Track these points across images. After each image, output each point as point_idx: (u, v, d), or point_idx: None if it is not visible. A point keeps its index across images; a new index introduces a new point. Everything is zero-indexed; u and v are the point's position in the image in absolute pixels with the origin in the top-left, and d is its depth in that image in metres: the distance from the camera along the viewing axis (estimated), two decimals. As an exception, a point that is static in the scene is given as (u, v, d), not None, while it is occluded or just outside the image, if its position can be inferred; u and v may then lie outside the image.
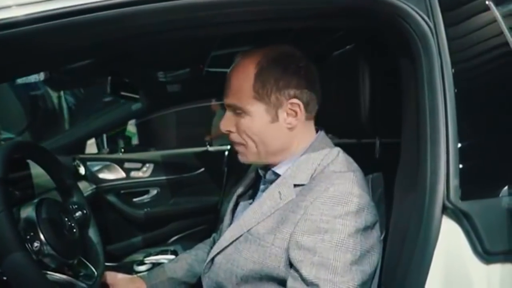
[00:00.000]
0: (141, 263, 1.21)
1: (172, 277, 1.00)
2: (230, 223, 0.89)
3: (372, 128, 0.86)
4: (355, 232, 0.65)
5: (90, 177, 1.84)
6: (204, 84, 1.65)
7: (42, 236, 0.71)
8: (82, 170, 1.79)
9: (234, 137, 0.80)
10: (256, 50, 0.78)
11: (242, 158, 0.82)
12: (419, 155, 0.61)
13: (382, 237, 0.72)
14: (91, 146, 1.97)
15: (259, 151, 0.79)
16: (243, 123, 0.77)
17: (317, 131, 0.84)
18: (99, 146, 1.98)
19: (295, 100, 0.75)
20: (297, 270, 0.66)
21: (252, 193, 0.90)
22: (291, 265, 0.68)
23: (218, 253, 0.80)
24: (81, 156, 1.83)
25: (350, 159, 0.78)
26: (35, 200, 0.76)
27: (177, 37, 0.59)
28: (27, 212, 0.73)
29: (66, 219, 0.81)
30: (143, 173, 1.97)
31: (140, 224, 1.95)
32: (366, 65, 0.84)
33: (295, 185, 0.75)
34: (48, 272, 0.73)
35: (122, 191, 1.93)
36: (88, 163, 1.85)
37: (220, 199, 2.03)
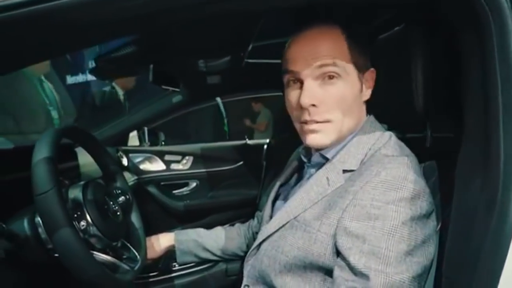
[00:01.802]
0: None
1: (197, 240, 1.06)
2: (271, 213, 0.87)
3: (424, 119, 0.79)
4: (409, 220, 0.60)
5: (132, 168, 1.88)
6: (243, 76, 1.63)
7: (88, 217, 0.72)
8: (124, 161, 1.83)
9: (317, 113, 0.69)
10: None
11: (321, 140, 0.71)
12: (489, 143, 0.54)
13: (438, 228, 0.66)
14: (133, 139, 2.02)
15: (343, 128, 0.71)
16: (337, 91, 0.68)
17: None
18: (141, 138, 2.02)
19: (371, 68, 0.71)
20: (344, 258, 0.62)
21: (295, 180, 0.87)
22: (338, 253, 0.64)
23: (264, 240, 0.78)
24: (124, 147, 1.88)
25: (402, 144, 0.73)
26: (82, 182, 0.78)
27: (220, 11, 0.56)
28: (75, 193, 0.74)
29: (111, 202, 0.82)
30: (183, 165, 2.00)
31: (179, 216, 1.98)
32: (418, 49, 0.77)
33: (344, 171, 0.71)
34: (94, 252, 0.74)
35: (162, 183, 1.96)
36: (131, 154, 1.90)
37: (258, 193, 2.02)
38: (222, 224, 2.03)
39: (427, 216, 0.63)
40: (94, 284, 0.65)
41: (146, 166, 1.94)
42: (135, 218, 0.96)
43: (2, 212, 0.73)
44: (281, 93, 2.01)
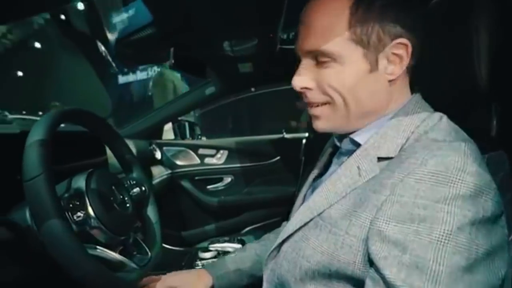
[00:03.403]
0: (206, 249, 1.14)
1: (239, 268, 0.90)
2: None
3: (488, 97, 0.63)
4: (468, 225, 0.45)
5: (166, 162, 1.85)
6: (277, 64, 1.52)
7: (89, 208, 0.65)
8: (158, 155, 1.80)
9: (313, 96, 0.62)
10: None
11: (321, 124, 0.64)
12: None
13: (511, 238, 0.51)
14: (167, 132, 1.99)
15: (349, 112, 0.61)
16: (331, 75, 0.59)
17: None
18: (175, 132, 1.99)
19: (402, 40, 0.57)
20: (378, 270, 0.48)
21: (326, 170, 0.75)
22: (371, 262, 0.51)
23: (283, 241, 0.67)
24: (158, 141, 1.85)
25: (457, 127, 0.58)
26: (88, 171, 0.71)
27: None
28: (78, 181, 0.68)
29: (119, 193, 0.74)
30: (217, 160, 1.93)
31: (213, 212, 1.92)
32: (481, 12, 0.62)
33: (379, 159, 0.57)
34: (98, 247, 0.67)
35: (196, 178, 1.91)
36: (164, 148, 1.86)
37: (296, 189, 1.90)
38: (256, 222, 1.95)
39: (492, 220, 0.48)
40: (89, 283, 0.58)
41: (180, 160, 1.90)
42: (150, 212, 0.88)
43: (10, 202, 0.68)
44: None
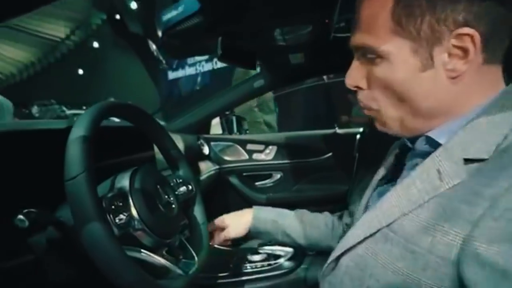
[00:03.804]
0: (255, 252, 1.07)
1: (276, 220, 0.96)
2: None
3: None
4: None
5: (214, 157, 1.81)
6: (331, 54, 1.41)
7: (133, 209, 0.61)
8: (206, 150, 1.77)
9: (363, 98, 0.57)
10: None
11: (379, 127, 0.59)
12: None
13: None
14: (215, 127, 1.95)
15: (401, 114, 0.54)
16: (379, 74, 0.53)
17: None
18: (223, 126, 1.94)
19: (466, 30, 0.47)
20: None
21: (395, 173, 0.65)
22: None
23: (343, 253, 0.58)
24: (205, 136, 1.82)
25: None
26: (132, 168, 0.67)
27: None
28: (122, 180, 0.64)
29: (164, 192, 0.70)
30: (266, 155, 1.86)
31: (261, 209, 1.85)
32: None
33: (466, 161, 0.47)
34: (142, 251, 0.63)
35: (244, 174, 1.85)
36: (212, 143, 1.83)
37: (349, 188, 1.78)
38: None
39: None
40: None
41: (227, 156, 1.85)
42: (197, 212, 0.83)
43: (56, 199, 0.66)
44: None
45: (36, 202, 0.63)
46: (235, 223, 0.98)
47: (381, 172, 0.69)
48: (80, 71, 10.83)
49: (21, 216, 0.51)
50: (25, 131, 0.66)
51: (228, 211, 1.87)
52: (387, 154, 0.82)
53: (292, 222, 0.98)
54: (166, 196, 0.69)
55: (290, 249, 1.05)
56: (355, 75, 0.57)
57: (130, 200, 0.61)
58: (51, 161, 0.67)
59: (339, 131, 1.84)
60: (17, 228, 0.51)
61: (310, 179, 1.87)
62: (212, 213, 1.65)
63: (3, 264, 0.61)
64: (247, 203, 1.86)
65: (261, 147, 1.87)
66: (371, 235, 0.54)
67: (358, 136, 1.79)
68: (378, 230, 0.53)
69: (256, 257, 1.06)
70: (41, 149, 0.67)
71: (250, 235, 0.99)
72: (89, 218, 0.49)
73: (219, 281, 0.99)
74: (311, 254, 1.06)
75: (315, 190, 1.85)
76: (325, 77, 1.79)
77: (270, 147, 1.86)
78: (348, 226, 0.99)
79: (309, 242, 0.98)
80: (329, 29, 1.13)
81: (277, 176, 1.87)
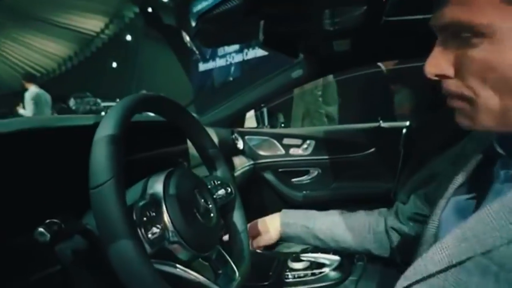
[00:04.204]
0: (297, 259, 0.98)
1: (306, 225, 0.93)
2: (437, 232, 0.55)
3: None
4: None
5: (248, 152, 1.73)
6: (380, 40, 1.28)
7: (167, 220, 0.53)
8: (240, 145, 1.69)
9: (451, 87, 0.47)
10: None
11: (464, 122, 0.48)
12: None
13: None
14: (250, 120, 1.86)
15: (506, 105, 0.43)
16: (478, 55, 0.42)
17: None
18: (258, 119, 1.86)
19: None
20: None
21: (480, 183, 0.53)
22: None
23: (417, 282, 0.48)
24: (240, 129, 1.73)
25: None
26: (167, 170, 0.59)
27: None
28: (155, 186, 0.55)
29: (202, 198, 0.61)
30: (303, 150, 1.75)
31: (298, 207, 1.74)
32: None
33: None
34: (177, 266, 0.55)
35: (280, 170, 1.76)
36: (247, 137, 1.74)
37: (393, 186, 1.65)
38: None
39: None
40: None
41: (263, 151, 1.76)
42: (237, 218, 0.74)
43: (83, 204, 0.59)
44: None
45: (61, 207, 0.56)
46: (265, 230, 0.96)
47: (458, 180, 0.57)
48: (114, 64, 11.08)
49: (41, 229, 0.44)
50: (49, 128, 0.60)
51: (262, 208, 1.79)
52: (447, 154, 0.72)
53: (323, 225, 0.94)
54: (204, 203, 0.60)
55: (336, 257, 0.94)
56: (438, 62, 0.47)
57: (164, 209, 0.53)
58: (78, 161, 0.60)
59: (383, 124, 1.70)
60: (37, 242, 0.44)
61: (350, 176, 1.74)
62: (246, 211, 1.56)
63: (28, 278, 0.54)
64: (283, 201, 1.77)
65: (298, 141, 1.76)
66: (459, 263, 0.43)
67: (404, 130, 1.65)
68: (469, 258, 0.42)
69: (297, 265, 0.96)
70: (67, 148, 0.61)
71: (283, 264, 0.96)
72: (118, 235, 0.42)
73: (258, 291, 0.90)
74: (361, 263, 0.95)
75: (355, 188, 1.73)
76: (381, 64, 1.65)
77: (308, 141, 1.75)
78: (397, 231, 0.87)
79: (343, 246, 0.93)
80: (383, 10, 1.01)
81: (315, 172, 1.77)
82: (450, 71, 0.46)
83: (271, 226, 0.97)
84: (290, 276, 0.94)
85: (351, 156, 1.72)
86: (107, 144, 0.45)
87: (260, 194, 1.77)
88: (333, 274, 0.92)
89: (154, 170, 0.87)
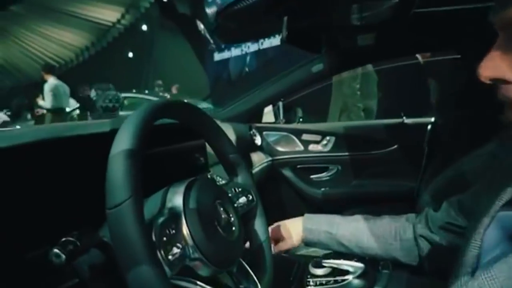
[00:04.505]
0: (318, 264, 0.94)
1: (330, 231, 0.89)
2: (479, 254, 0.50)
3: None
4: None
5: (266, 148, 1.69)
6: (407, 33, 1.21)
7: (187, 236, 0.50)
8: (258, 140, 1.65)
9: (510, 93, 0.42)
10: None
11: None
12: None
13: None
14: (268, 115, 1.82)
15: None
16: None
17: None
18: (276, 115, 1.81)
19: None
20: None
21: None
22: None
23: None
24: (258, 125, 1.69)
25: None
26: (187, 181, 0.56)
27: None
28: (174, 199, 0.52)
29: (224, 210, 0.58)
30: (323, 147, 1.70)
31: (317, 204, 1.72)
32: None
33: None
34: (198, 284, 0.52)
35: (298, 166, 1.72)
36: (265, 132, 1.70)
37: (416, 186, 1.59)
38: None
39: None
40: None
41: (281, 147, 1.72)
42: (259, 227, 0.71)
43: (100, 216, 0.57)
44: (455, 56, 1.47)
45: (78, 219, 0.54)
46: (287, 235, 0.93)
47: (505, 196, 0.52)
48: (130, 54, 11.13)
49: (56, 250, 0.42)
50: (64, 138, 0.57)
51: (281, 205, 1.76)
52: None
53: (346, 231, 0.90)
54: (226, 215, 0.57)
55: (360, 265, 0.90)
56: (497, 64, 0.42)
57: (184, 224, 0.50)
58: (94, 171, 0.57)
59: (407, 120, 1.63)
60: (52, 265, 0.42)
61: (371, 174, 1.69)
62: (264, 209, 1.53)
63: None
64: (301, 197, 1.73)
65: (317, 137, 1.71)
66: None
67: (429, 127, 1.58)
68: None
69: (319, 271, 0.92)
70: (83, 157, 0.58)
71: (303, 268, 0.93)
72: (137, 260, 0.39)
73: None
74: (386, 271, 0.91)
75: (376, 186, 1.68)
76: (419, 56, 1.57)
77: (328, 137, 1.70)
78: (427, 240, 0.82)
79: (368, 253, 0.89)
80: (414, 2, 0.95)
81: (335, 169, 1.72)
82: (510, 75, 0.41)
83: (293, 231, 0.94)
84: (311, 283, 0.90)
85: (372, 153, 1.66)
86: (124, 160, 0.42)
87: (278, 191, 1.73)
88: (356, 282, 0.88)
89: (171, 166, 0.84)
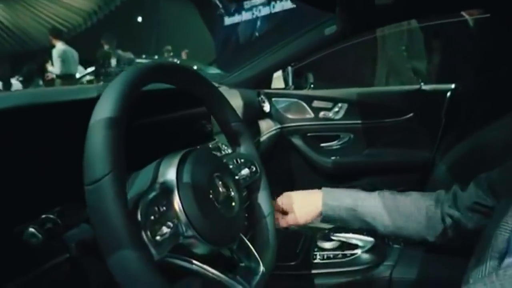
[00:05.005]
0: (326, 237, 0.90)
1: (353, 208, 0.79)
2: (510, 237, 0.45)
3: None
4: None
5: (275, 115, 1.62)
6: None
7: (180, 211, 0.45)
8: (266, 107, 1.58)
9: None
10: None
11: None
12: None
13: None
14: (277, 81, 1.74)
15: None
16: None
17: None
18: (286, 80, 1.72)
19: None
20: None
21: None
22: None
23: None
24: (267, 91, 1.62)
25: None
26: (182, 152, 0.51)
27: None
28: (167, 171, 0.48)
29: (223, 184, 0.53)
30: (334, 114, 1.63)
31: (326, 174, 1.67)
32: None
33: None
34: (194, 262, 0.49)
35: (308, 134, 1.66)
36: (274, 99, 1.63)
37: (431, 156, 1.52)
38: (377, 190, 1.65)
39: None
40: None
41: (291, 114, 1.65)
42: (263, 201, 0.66)
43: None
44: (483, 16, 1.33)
45: (65, 192, 0.50)
46: (302, 209, 0.82)
47: None
48: (139, 19, 10.89)
49: (32, 230, 0.38)
50: (48, 104, 0.52)
51: (289, 175, 1.72)
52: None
53: (373, 209, 0.80)
54: (225, 190, 0.52)
55: (369, 238, 0.86)
56: None
57: (177, 200, 0.46)
58: (80, 140, 0.53)
59: (425, 87, 1.54)
60: (30, 245, 0.38)
61: (385, 143, 1.62)
62: (271, 178, 1.47)
63: (36, 268, 0.49)
64: (311, 167, 1.68)
65: (329, 104, 1.63)
66: None
67: (448, 94, 1.49)
68: None
69: (327, 244, 0.89)
70: (69, 126, 0.53)
71: (309, 246, 0.88)
72: (117, 244, 0.35)
73: (284, 272, 0.84)
74: (397, 246, 0.87)
75: (390, 156, 1.61)
76: (464, 13, 1.44)
77: (340, 104, 1.62)
78: (453, 219, 0.75)
79: (397, 233, 0.80)
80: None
81: (346, 137, 1.65)
82: None
83: (309, 205, 0.83)
84: (318, 256, 0.87)
85: (387, 121, 1.58)
86: (105, 129, 0.37)
87: (287, 159, 1.69)
88: (365, 256, 0.85)
89: (173, 134, 0.79)
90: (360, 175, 1.65)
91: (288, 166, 1.69)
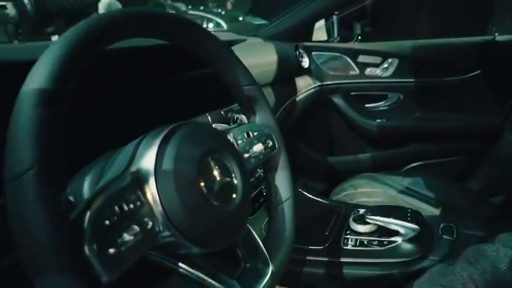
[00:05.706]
0: (362, 219, 0.78)
1: None
2: None
3: None
4: None
5: (315, 71, 1.45)
6: None
7: (154, 205, 0.35)
8: (305, 62, 1.41)
9: None
10: None
11: None
12: None
13: None
14: (319, 32, 1.54)
15: None
16: None
17: None
18: (330, 31, 1.52)
19: None
20: None
21: None
22: None
23: None
24: (306, 44, 1.44)
25: None
26: (167, 128, 0.40)
27: None
28: (145, 154, 0.37)
29: (218, 167, 0.42)
30: (383, 71, 1.43)
31: (370, 138, 1.50)
32: None
33: None
34: (180, 265, 0.39)
35: (352, 93, 1.48)
36: (314, 53, 1.45)
37: (498, 123, 1.30)
38: (427, 157, 1.45)
39: None
40: None
41: (332, 69, 1.47)
42: (281, 182, 0.54)
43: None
44: None
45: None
46: None
47: None
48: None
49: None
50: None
51: (329, 138, 1.57)
52: None
53: None
54: (222, 176, 0.41)
55: (414, 226, 0.72)
56: None
57: (154, 192, 0.35)
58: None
59: (498, 38, 1.28)
60: None
61: (442, 105, 1.41)
62: (309, 141, 1.32)
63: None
64: (353, 129, 1.52)
65: (377, 59, 1.43)
66: None
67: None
68: None
69: (361, 228, 0.77)
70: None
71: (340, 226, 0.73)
72: (42, 264, 0.25)
73: (309, 257, 0.74)
74: (448, 238, 0.72)
75: (445, 121, 1.41)
76: None
77: (390, 60, 1.41)
78: None
79: None
80: None
81: (395, 98, 1.46)
82: None
83: None
84: (350, 242, 0.76)
85: (446, 80, 1.36)
86: (33, 108, 0.27)
87: (326, 121, 1.53)
88: (406, 247, 0.72)
89: (182, 99, 0.68)
90: (408, 141, 1.46)
91: (328, 128, 1.54)
